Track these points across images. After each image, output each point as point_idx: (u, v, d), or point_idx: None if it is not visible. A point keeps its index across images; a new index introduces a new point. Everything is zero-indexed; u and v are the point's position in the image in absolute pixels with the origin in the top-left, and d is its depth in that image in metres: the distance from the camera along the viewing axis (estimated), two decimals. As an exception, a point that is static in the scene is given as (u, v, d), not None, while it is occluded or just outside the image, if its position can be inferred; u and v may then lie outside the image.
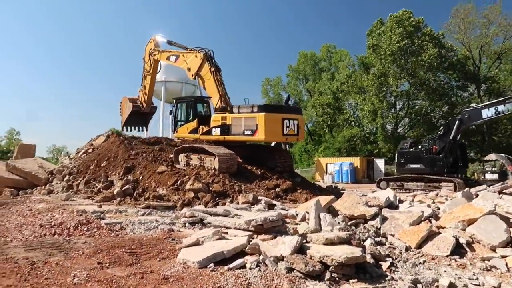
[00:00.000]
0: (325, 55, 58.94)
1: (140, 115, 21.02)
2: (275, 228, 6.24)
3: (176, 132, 18.11)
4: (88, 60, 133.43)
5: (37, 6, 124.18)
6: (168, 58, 18.95)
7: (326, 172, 34.55)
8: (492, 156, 18.95)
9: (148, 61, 19.73)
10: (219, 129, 16.18)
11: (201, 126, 16.94)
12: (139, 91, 20.93)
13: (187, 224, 7.98)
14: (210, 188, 13.06)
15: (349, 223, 6.29)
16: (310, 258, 4.84)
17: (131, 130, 21.38)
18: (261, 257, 5.06)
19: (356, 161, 33.59)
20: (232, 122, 15.78)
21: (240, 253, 5.43)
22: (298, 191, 14.30)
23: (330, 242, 5.09)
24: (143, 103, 20.84)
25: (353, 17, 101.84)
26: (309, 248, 5.02)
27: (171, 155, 18.30)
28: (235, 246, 5.43)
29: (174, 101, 18.26)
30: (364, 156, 37.43)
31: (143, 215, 10.43)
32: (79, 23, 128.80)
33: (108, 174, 16.55)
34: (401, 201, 8.04)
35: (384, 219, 6.38)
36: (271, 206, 11.44)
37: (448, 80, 42.28)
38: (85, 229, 8.10)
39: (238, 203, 11.78)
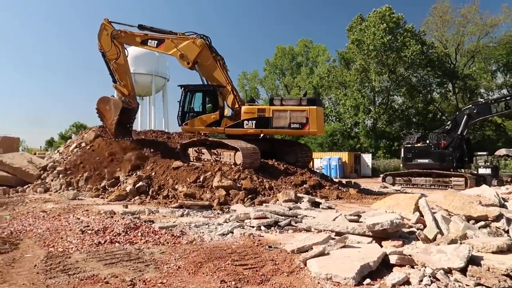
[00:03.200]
0: (302, 49, 58.68)
1: (127, 113, 17.40)
2: (397, 233, 5.49)
3: (186, 125, 16.08)
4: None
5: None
6: (144, 42, 16.60)
7: (313, 167, 34.21)
8: (502, 151, 19.26)
9: (111, 47, 16.73)
10: (253, 121, 15.14)
11: (224, 119, 15.75)
12: (115, 88, 17.71)
13: (262, 228, 7.04)
14: (238, 185, 12.10)
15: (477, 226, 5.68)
16: (488, 270, 4.13)
17: (120, 139, 17.23)
18: (426, 269, 4.28)
19: (345, 156, 33.51)
20: (274, 114, 14.92)
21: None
22: (326, 187, 13.65)
23: (499, 250, 4.41)
24: (128, 98, 17.45)
25: (329, 12, 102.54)
26: (482, 258, 4.30)
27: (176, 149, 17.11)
28: (378, 256, 4.62)
29: (182, 88, 16.13)
30: (350, 151, 37.48)
31: (182, 215, 9.36)
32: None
33: (112, 170, 15.13)
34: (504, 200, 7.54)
35: (509, 220, 5.81)
36: (314, 204, 10.71)
37: (427, 76, 43.21)
38: (139, 234, 6.97)
39: (276, 201, 10.95)
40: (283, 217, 7.40)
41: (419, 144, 19.87)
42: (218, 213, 9.75)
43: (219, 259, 5.24)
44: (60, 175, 15.51)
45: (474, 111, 18.26)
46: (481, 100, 20.00)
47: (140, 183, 13.22)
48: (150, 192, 12.85)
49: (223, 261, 5.12)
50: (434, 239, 5.34)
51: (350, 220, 6.95)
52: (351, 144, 42.80)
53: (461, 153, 18.91)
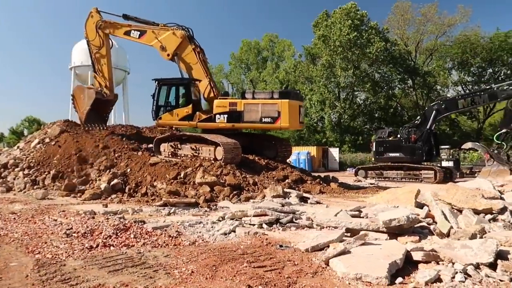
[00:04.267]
0: (268, 44, 58.62)
1: (102, 104, 17.29)
2: (411, 228, 5.42)
3: (160, 119, 15.69)
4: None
5: None
6: (127, 33, 16.34)
7: (282, 161, 34.34)
8: (468, 145, 20.10)
9: (96, 37, 16.72)
10: (225, 115, 14.69)
11: (197, 113, 15.24)
12: (94, 78, 17.59)
13: (264, 226, 6.77)
14: (222, 181, 11.75)
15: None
16: (517, 264, 4.11)
17: (92, 129, 17.18)
18: (456, 265, 4.20)
19: (313, 150, 33.82)
20: (245, 108, 14.47)
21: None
22: (308, 182, 13.59)
23: (523, 243, 4.42)
24: (105, 89, 17.28)
25: (293, 7, 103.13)
26: (509, 252, 4.28)
27: (149, 144, 16.47)
28: (402, 253, 4.49)
29: (156, 82, 15.69)
30: (316, 145, 37.93)
31: (169, 214, 8.90)
32: None
33: (81, 167, 14.26)
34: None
35: (512, 213, 5.92)
36: (302, 199, 10.58)
37: (389, 73, 44.53)
38: (132, 236, 6.50)
39: (263, 197, 10.72)
40: (283, 214, 7.16)
41: (390, 139, 20.36)
42: (206, 211, 9.37)
43: (232, 261, 4.92)
44: (23, 173, 14.40)
45: (442, 107, 18.88)
46: (448, 95, 20.84)
47: (115, 181, 12.53)
48: (126, 190, 12.23)
49: (238, 263, 4.81)
50: (448, 233, 5.32)
51: (353, 216, 6.84)
52: (318, 139, 43.38)
53: (429, 147, 19.55)
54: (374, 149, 20.91)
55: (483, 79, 44.89)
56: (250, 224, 6.94)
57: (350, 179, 20.25)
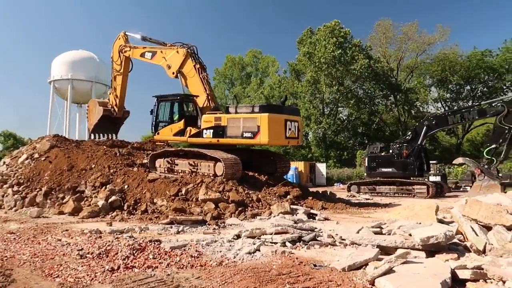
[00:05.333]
0: (252, 60, 59.09)
1: (111, 120, 18.50)
2: (446, 246, 5.37)
3: (158, 134, 15.92)
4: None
5: None
6: (142, 55, 17.15)
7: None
8: (459, 160, 20.50)
9: (118, 59, 17.91)
10: (211, 131, 14.51)
11: (188, 128, 15.06)
12: (109, 94, 18.76)
13: (287, 244, 6.60)
14: (225, 198, 11.52)
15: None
16: None
17: (99, 138, 18.72)
18: (507, 283, 4.15)
19: (300, 165, 33.87)
20: (228, 123, 14.19)
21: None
22: (309, 198, 13.50)
23: None
24: (115, 107, 18.58)
25: (277, 24, 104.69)
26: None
27: (144, 160, 16.12)
28: (449, 271, 4.42)
29: (156, 99, 15.91)
30: (302, 161, 38.06)
31: (178, 232, 8.61)
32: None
33: (75, 184, 13.77)
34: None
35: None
36: (310, 216, 10.47)
37: (373, 89, 45.45)
38: (151, 257, 6.21)
39: (270, 214, 10.55)
40: (305, 232, 7.01)
41: (382, 154, 20.59)
42: (215, 229, 9.11)
43: (272, 282, 4.73)
44: (13, 190, 13.76)
45: (433, 122, 19.30)
46: (438, 112, 21.38)
47: (113, 198, 12.11)
48: (125, 207, 11.83)
49: (279, 285, 4.63)
50: (484, 250, 5.30)
51: (375, 232, 6.78)
52: (303, 154, 43.56)
53: (420, 162, 19.86)
54: (366, 164, 21.09)
55: (461, 95, 46.44)
56: (271, 242, 6.75)
57: (342, 194, 20.27)
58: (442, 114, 20.03)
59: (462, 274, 4.45)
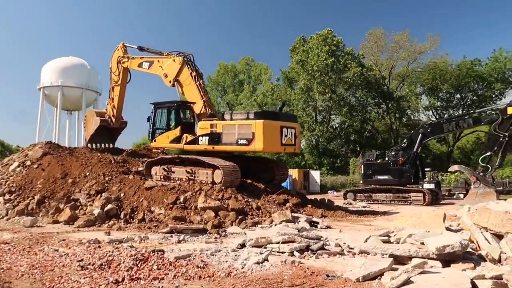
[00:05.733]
0: (244, 67, 59.18)
1: (108, 130, 18.42)
2: (461, 255, 5.27)
3: (155, 141, 15.82)
4: None
5: None
6: (140, 65, 17.19)
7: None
8: (455, 167, 20.58)
9: (116, 70, 17.93)
10: (207, 138, 14.32)
11: (185, 135, 14.87)
12: (107, 104, 18.66)
13: (295, 253, 6.44)
14: (225, 205, 11.33)
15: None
16: None
17: (96, 148, 18.64)
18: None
19: (295, 172, 33.76)
20: (224, 130, 13.98)
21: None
22: (309, 205, 13.37)
23: None
24: (112, 117, 18.52)
25: (269, 31, 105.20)
26: None
27: (139, 167, 15.87)
28: (468, 282, 4.32)
29: (152, 106, 15.88)
30: (296, 168, 38.00)
31: (179, 242, 8.39)
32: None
33: (68, 192, 13.46)
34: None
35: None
36: (311, 224, 10.33)
37: (365, 97, 45.74)
38: (155, 268, 6.02)
39: (271, 222, 10.39)
40: (313, 241, 6.87)
41: (378, 161, 20.59)
42: (216, 237, 8.92)
43: (286, 294, 4.58)
44: (4, 199, 13.37)
45: (428, 130, 19.38)
46: (433, 119, 21.54)
47: (109, 206, 11.82)
48: (122, 216, 11.55)
49: (294, 297, 4.47)
50: (499, 259, 5.21)
51: (383, 241, 6.66)
52: (296, 161, 43.51)
53: (416, 170, 19.89)
54: (362, 172, 21.05)
55: (451, 104, 46.97)
56: (278, 252, 6.60)
57: (338, 202, 20.18)
58: (437, 122, 20.14)
59: (482, 285, 4.35)
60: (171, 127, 15.32)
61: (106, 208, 11.70)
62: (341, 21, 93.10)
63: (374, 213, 14.59)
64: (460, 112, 44.21)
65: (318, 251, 6.56)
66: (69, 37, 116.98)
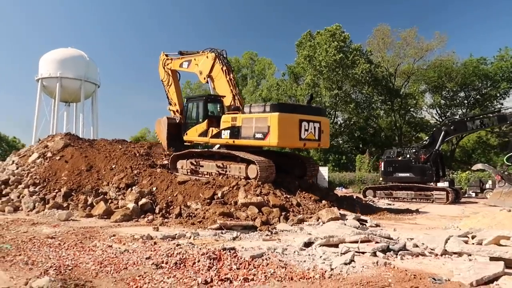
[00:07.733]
0: (248, 62, 58.61)
1: (177, 127, 17.27)
2: None
3: (186, 134, 15.76)
4: None
5: None
6: (181, 65, 17.51)
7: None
8: (478, 166, 20.41)
9: (165, 75, 18.35)
10: (228, 131, 13.92)
11: (211, 128, 14.50)
12: (169, 109, 18.60)
13: (378, 254, 6.14)
14: (266, 201, 10.99)
15: None
16: None
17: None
18: None
19: (303, 169, 33.50)
20: (243, 123, 13.47)
21: None
22: (345, 202, 13.10)
23: None
24: (177, 113, 18.02)
25: (273, 26, 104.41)
26: None
27: (164, 161, 15.50)
28: None
29: (185, 100, 16.21)
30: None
31: (234, 239, 8.06)
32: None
33: (97, 185, 13.05)
34: None
35: None
36: (360, 222, 10.04)
37: (371, 94, 45.55)
38: (234, 267, 5.68)
39: (318, 219, 10.09)
40: (392, 241, 6.57)
41: (399, 158, 20.37)
42: (268, 235, 8.60)
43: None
44: (29, 191, 12.90)
45: (451, 128, 19.21)
46: (456, 117, 21.37)
47: (144, 200, 11.45)
48: (157, 210, 11.21)
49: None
50: None
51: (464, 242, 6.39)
52: (302, 157, 43.22)
53: (437, 167, 19.73)
54: (382, 169, 20.84)
55: (454, 102, 46.97)
56: (358, 252, 6.28)
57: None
58: (461, 120, 19.96)
59: None
60: (199, 120, 14.99)
61: (140, 203, 11.32)
62: (346, 17, 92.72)
63: (408, 211, 14.35)
64: (464, 111, 44.34)
65: (400, 252, 6.26)
66: (68, 29, 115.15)
